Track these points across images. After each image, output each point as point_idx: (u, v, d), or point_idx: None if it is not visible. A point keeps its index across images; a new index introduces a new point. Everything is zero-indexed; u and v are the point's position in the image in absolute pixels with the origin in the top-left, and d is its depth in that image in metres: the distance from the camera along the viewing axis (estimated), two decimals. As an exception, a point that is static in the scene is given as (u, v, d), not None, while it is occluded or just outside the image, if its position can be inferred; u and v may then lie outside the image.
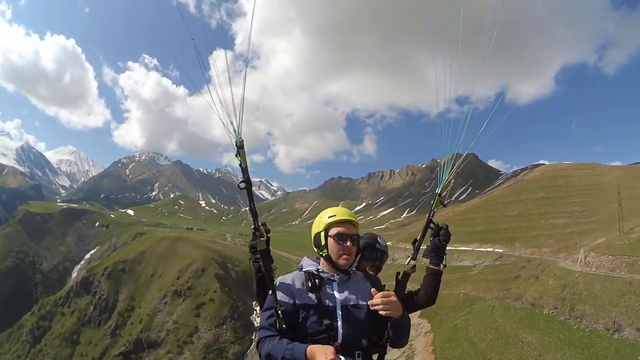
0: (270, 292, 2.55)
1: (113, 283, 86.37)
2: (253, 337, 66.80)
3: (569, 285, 29.95)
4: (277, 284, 2.60)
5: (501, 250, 54.53)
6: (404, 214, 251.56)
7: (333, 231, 2.59)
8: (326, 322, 2.39)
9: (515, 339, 27.59)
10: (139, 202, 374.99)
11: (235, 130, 2.60)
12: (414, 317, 38.42)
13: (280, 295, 2.51)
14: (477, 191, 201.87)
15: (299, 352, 2.20)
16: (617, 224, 38.59)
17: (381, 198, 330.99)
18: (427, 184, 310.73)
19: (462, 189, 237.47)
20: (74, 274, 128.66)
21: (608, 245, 34.36)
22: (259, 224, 2.74)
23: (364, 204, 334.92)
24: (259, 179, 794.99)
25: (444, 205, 3.24)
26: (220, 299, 75.13)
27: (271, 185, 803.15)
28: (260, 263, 2.76)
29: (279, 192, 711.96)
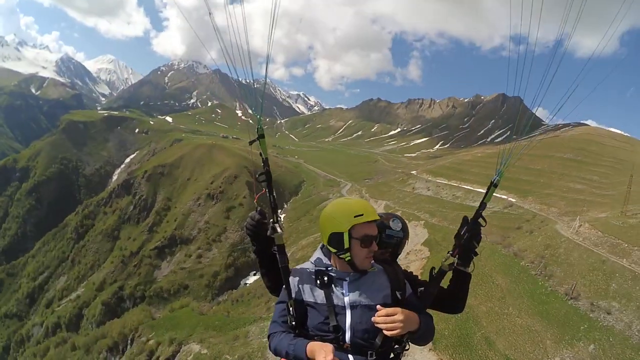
0: (284, 285, 2.48)
1: (152, 185, 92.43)
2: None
3: (552, 247, 32.57)
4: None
5: (513, 200, 56.02)
6: (437, 146, 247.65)
7: (359, 233, 2.31)
8: (333, 323, 2.27)
9: (489, 279, 31.11)
10: (178, 110, 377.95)
11: (258, 119, 2.63)
12: (419, 245, 42.31)
13: (290, 289, 2.44)
14: (514, 137, 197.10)
15: (300, 349, 2.19)
16: (623, 204, 39.30)
17: (417, 126, 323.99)
18: (465, 119, 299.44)
19: (499, 131, 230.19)
20: (115, 177, 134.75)
21: (604, 222, 35.17)
22: (278, 218, 2.70)
23: (398, 130, 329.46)
24: (296, 92, 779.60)
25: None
26: (249, 204, 79.51)
27: (309, 99, 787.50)
28: (275, 254, 2.63)
29: (315, 107, 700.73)
